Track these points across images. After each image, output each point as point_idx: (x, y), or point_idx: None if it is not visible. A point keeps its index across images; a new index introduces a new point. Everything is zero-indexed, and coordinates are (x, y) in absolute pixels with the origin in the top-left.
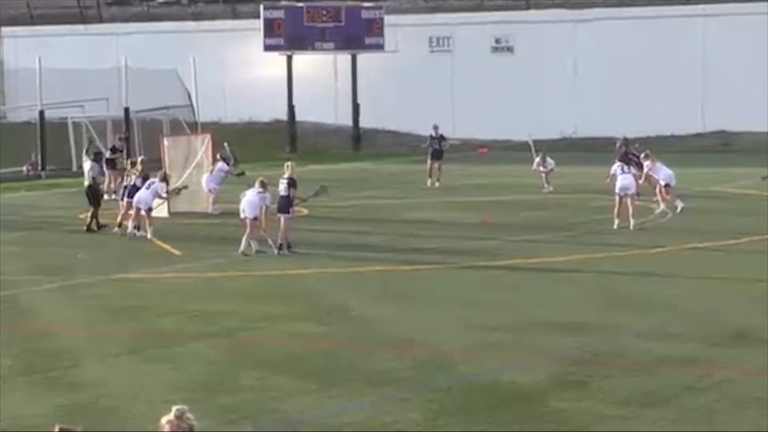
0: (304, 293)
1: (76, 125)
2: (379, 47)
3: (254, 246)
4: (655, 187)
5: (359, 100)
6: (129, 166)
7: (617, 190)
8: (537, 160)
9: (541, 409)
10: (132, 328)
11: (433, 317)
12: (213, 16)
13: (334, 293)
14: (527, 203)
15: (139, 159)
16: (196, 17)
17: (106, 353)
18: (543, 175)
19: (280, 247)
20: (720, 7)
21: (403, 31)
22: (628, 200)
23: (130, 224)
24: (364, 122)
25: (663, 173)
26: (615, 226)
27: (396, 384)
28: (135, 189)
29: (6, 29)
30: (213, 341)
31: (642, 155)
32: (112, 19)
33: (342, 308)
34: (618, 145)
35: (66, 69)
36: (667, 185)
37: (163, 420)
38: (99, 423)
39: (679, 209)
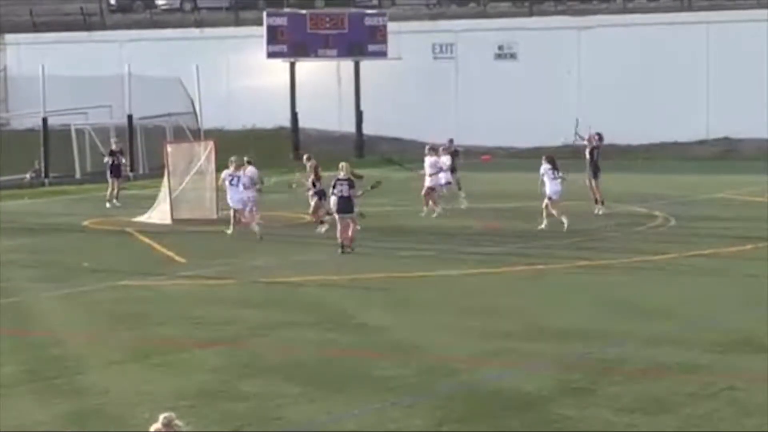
0: (306, 300)
1: (80, 132)
2: (383, 54)
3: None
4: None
5: (362, 107)
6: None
7: (551, 194)
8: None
9: (545, 416)
10: (136, 335)
11: (437, 324)
12: (216, 23)
13: (337, 300)
14: (529, 210)
15: (244, 158)
16: (199, 24)
17: (110, 360)
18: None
19: (342, 247)
20: (723, 14)
21: (406, 38)
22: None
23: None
24: (368, 129)
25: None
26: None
27: (400, 391)
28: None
29: (9, 36)
30: (216, 348)
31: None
32: (115, 26)
33: (344, 315)
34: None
35: (69, 76)
36: (550, 198)
37: (152, 429)
38: (103, 430)
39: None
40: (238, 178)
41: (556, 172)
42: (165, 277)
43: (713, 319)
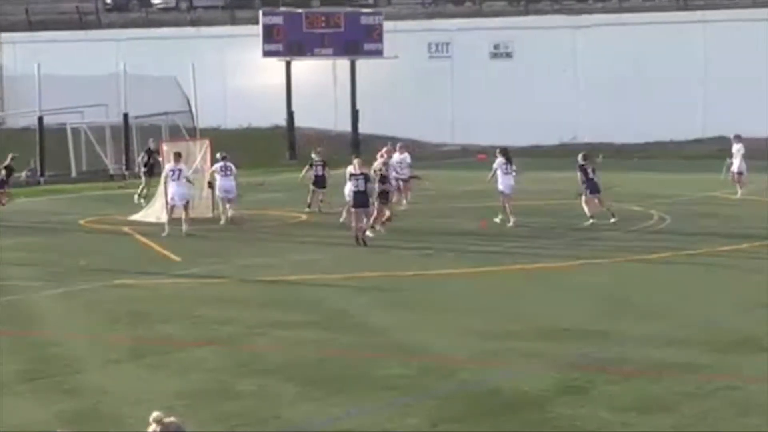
0: (305, 300)
1: (75, 131)
2: (378, 53)
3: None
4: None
5: (358, 106)
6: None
7: (503, 189)
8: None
9: (543, 416)
10: (133, 334)
11: (435, 324)
12: (212, 22)
13: (335, 300)
14: (526, 209)
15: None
16: (195, 23)
17: (108, 359)
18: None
19: (360, 240)
20: (719, 13)
21: (402, 37)
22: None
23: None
24: (364, 128)
25: (501, 181)
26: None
27: (398, 390)
28: (385, 195)
29: (5, 35)
30: (214, 348)
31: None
32: (111, 25)
33: (343, 315)
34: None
35: (65, 75)
36: (502, 193)
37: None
38: (101, 429)
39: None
40: (180, 171)
41: (509, 167)
42: (162, 276)
43: (710, 319)
